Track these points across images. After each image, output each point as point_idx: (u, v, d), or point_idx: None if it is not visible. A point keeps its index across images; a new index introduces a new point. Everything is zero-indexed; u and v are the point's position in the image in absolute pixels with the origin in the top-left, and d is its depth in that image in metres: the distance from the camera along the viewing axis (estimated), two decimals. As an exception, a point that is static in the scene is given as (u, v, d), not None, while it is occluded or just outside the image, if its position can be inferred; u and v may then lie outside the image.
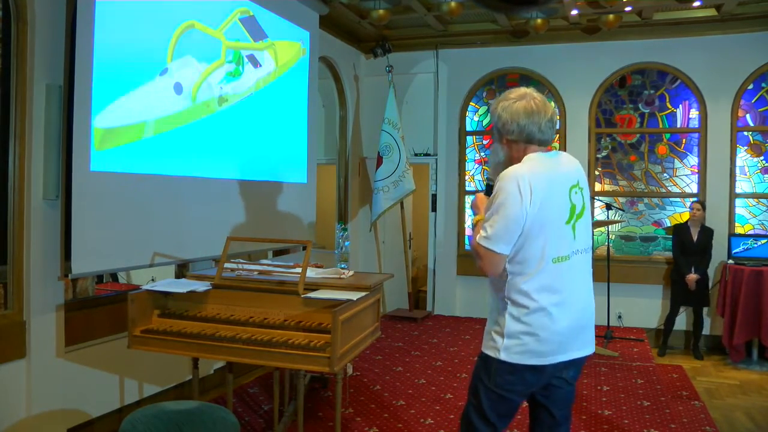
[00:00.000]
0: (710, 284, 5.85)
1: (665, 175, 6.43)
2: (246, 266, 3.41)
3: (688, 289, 5.68)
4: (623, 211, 6.42)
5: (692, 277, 5.66)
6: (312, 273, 3.39)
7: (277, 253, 5.63)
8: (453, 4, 5.50)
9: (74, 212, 3.14)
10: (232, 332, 2.94)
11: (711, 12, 5.94)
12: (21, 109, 3.07)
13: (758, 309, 5.31)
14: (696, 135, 6.31)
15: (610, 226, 6.32)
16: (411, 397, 4.28)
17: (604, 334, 5.76)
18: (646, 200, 6.49)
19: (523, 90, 2.12)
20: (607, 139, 6.60)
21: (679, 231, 5.90)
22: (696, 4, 5.65)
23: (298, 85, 5.24)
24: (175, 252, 3.83)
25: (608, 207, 6.06)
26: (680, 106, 6.37)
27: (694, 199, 6.13)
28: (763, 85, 6.09)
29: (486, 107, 7.03)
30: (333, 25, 6.27)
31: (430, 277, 7.15)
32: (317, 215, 5.64)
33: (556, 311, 2.01)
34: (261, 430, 3.70)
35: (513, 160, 2.11)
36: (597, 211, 6.49)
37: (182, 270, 4.23)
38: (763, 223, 6.09)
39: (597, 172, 6.62)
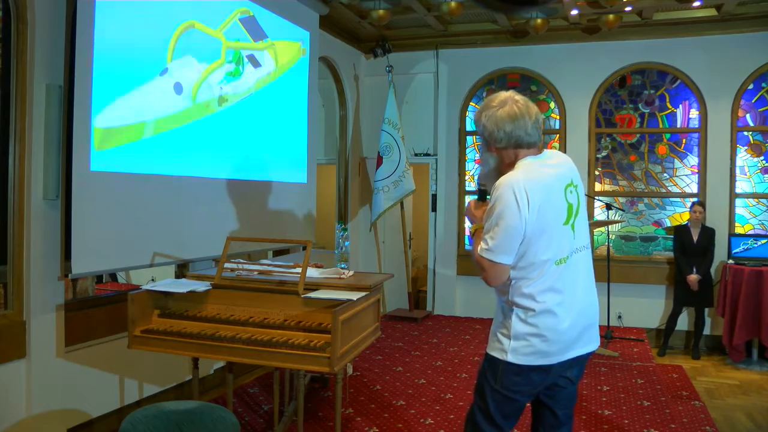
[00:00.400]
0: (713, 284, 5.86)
1: (665, 175, 6.43)
2: (246, 266, 3.41)
3: (691, 289, 5.68)
4: (623, 211, 6.42)
5: (693, 277, 5.66)
6: (312, 273, 3.38)
7: (277, 253, 5.63)
8: (453, 4, 5.50)
9: (74, 212, 3.14)
10: (232, 332, 2.94)
11: (711, 12, 5.94)
12: (21, 109, 3.07)
13: (758, 309, 5.31)
14: (696, 135, 6.31)
15: (610, 226, 6.32)
16: (411, 397, 4.28)
17: (604, 334, 5.76)
18: (646, 200, 6.49)
19: (504, 95, 2.10)
20: (607, 139, 6.60)
21: (680, 232, 5.90)
22: (696, 4, 5.65)
23: (298, 85, 5.24)
24: (175, 252, 3.83)
25: (608, 207, 6.06)
26: (680, 106, 6.37)
27: (695, 200, 6.12)
28: (763, 85, 6.09)
29: (486, 107, 7.01)
30: (333, 25, 6.27)
31: (430, 277, 7.15)
32: (317, 215, 5.64)
33: (560, 311, 2.02)
34: (261, 430, 3.70)
35: (504, 167, 2.10)
36: (597, 211, 6.50)
37: (182, 270, 4.23)
38: (763, 223, 6.09)
39: (597, 172, 6.62)
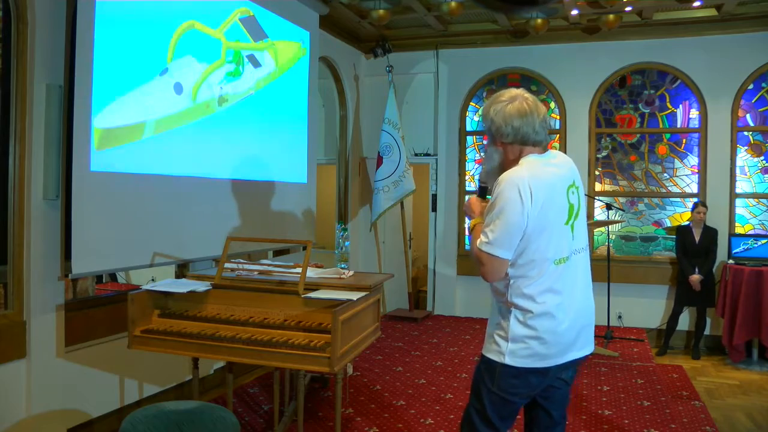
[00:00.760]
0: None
1: (665, 175, 6.43)
2: (246, 266, 3.41)
3: (693, 289, 5.68)
4: (623, 211, 6.42)
5: (695, 277, 5.66)
6: (312, 273, 3.38)
7: (278, 253, 5.63)
8: (453, 4, 5.50)
9: (74, 212, 3.14)
10: (232, 332, 2.94)
11: (711, 12, 5.94)
12: (21, 109, 3.07)
13: (758, 309, 5.30)
14: (696, 135, 6.31)
15: (610, 226, 6.32)
16: (411, 397, 4.28)
17: (604, 334, 5.76)
18: (646, 200, 6.49)
19: (514, 91, 2.08)
20: (608, 139, 6.60)
21: (682, 232, 5.90)
22: (696, 4, 5.65)
23: (298, 85, 5.24)
24: (175, 252, 3.83)
25: (608, 207, 6.06)
26: (680, 106, 6.37)
27: (696, 200, 6.12)
28: (764, 85, 6.08)
29: (486, 107, 7.02)
30: (333, 25, 6.27)
31: (430, 277, 7.15)
32: (317, 215, 5.64)
33: (559, 313, 2.01)
34: (261, 430, 3.70)
35: (509, 162, 2.09)
36: (597, 211, 6.50)
37: (182, 270, 4.23)
38: (763, 223, 6.09)
39: (597, 172, 6.62)
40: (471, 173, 7.09)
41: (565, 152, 6.88)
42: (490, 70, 6.92)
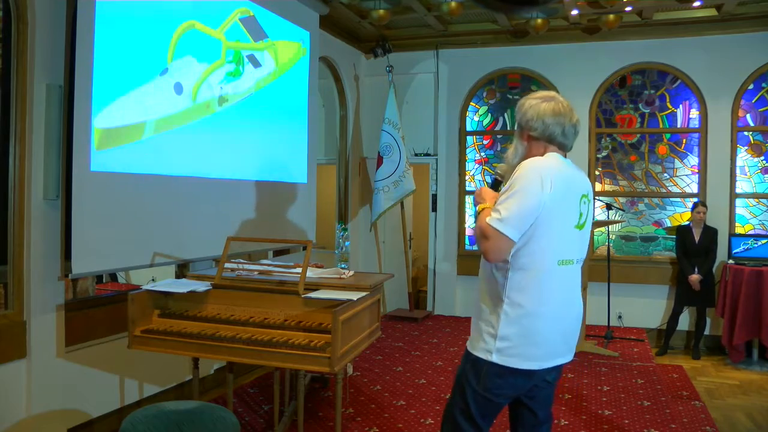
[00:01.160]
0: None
1: (665, 175, 6.43)
2: (246, 266, 3.41)
3: (693, 289, 5.68)
4: (623, 211, 6.42)
5: (695, 277, 5.66)
6: (312, 273, 3.38)
7: (278, 253, 5.63)
8: (453, 4, 5.50)
9: (74, 212, 3.14)
10: (233, 332, 2.95)
11: (711, 12, 5.94)
12: (21, 109, 3.07)
13: (758, 309, 5.30)
14: (696, 135, 6.31)
15: (610, 226, 6.32)
16: (411, 397, 4.28)
17: (604, 334, 5.76)
18: (646, 200, 6.49)
19: (551, 93, 2.14)
20: (608, 139, 6.60)
21: (682, 232, 5.90)
22: (696, 4, 5.65)
23: (298, 85, 5.24)
24: (175, 252, 3.83)
25: (608, 207, 6.06)
26: (680, 106, 6.37)
27: (695, 200, 6.12)
28: (764, 85, 6.08)
29: (486, 107, 7.03)
30: (333, 25, 6.27)
31: (430, 277, 7.15)
32: (317, 215, 5.64)
33: (553, 315, 2.00)
34: (261, 430, 3.70)
35: (530, 157, 2.09)
36: (597, 211, 6.49)
37: (182, 270, 4.23)
38: (763, 223, 6.09)
39: (597, 172, 6.62)
40: (471, 173, 7.09)
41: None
42: (490, 70, 6.92)
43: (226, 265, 3.27)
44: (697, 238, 5.79)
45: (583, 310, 2.18)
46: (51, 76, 3.18)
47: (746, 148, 6.16)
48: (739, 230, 6.10)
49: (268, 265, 3.51)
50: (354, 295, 2.96)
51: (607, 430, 3.75)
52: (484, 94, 7.03)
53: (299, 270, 3.11)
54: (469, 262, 6.78)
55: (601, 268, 5.95)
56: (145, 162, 3.61)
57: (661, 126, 6.44)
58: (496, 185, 2.19)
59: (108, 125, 3.35)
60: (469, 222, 7.02)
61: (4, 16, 3.07)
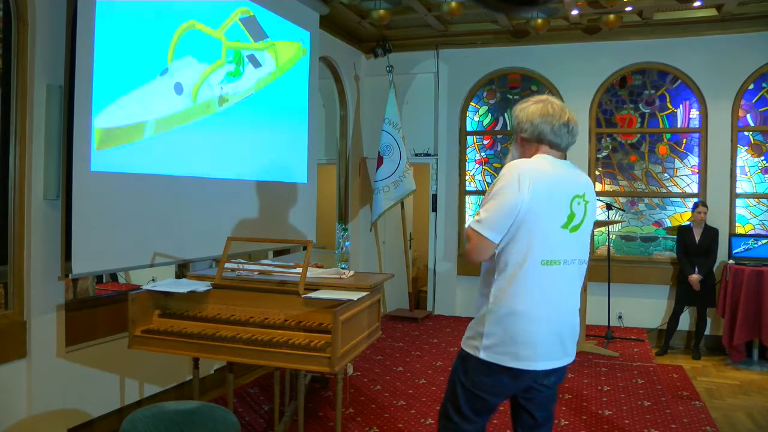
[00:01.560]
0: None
1: (666, 175, 6.43)
2: (246, 266, 3.41)
3: (693, 289, 5.68)
4: (624, 211, 6.42)
5: (695, 277, 5.66)
6: (312, 273, 3.38)
7: (278, 253, 5.63)
8: (453, 4, 5.50)
9: (74, 212, 3.14)
10: (233, 332, 2.95)
11: (711, 12, 5.94)
12: (21, 109, 3.07)
13: (758, 309, 5.30)
14: (696, 135, 6.30)
15: (610, 226, 6.32)
16: (411, 397, 4.28)
17: (605, 334, 5.76)
18: (646, 200, 6.49)
19: (544, 96, 2.18)
20: (608, 139, 6.60)
21: (682, 232, 5.90)
22: (696, 4, 5.65)
23: (299, 85, 5.24)
24: (175, 252, 3.83)
25: (609, 207, 6.06)
26: (681, 106, 6.37)
27: (696, 200, 6.12)
28: (764, 85, 6.08)
29: (486, 107, 7.03)
30: (333, 25, 6.27)
31: (430, 277, 7.15)
32: (317, 215, 5.64)
33: (536, 315, 1.99)
34: (261, 430, 3.70)
35: (524, 158, 2.12)
36: (597, 211, 6.49)
37: (182, 270, 4.23)
38: (763, 223, 6.09)
39: (597, 172, 6.61)
40: (471, 173, 7.09)
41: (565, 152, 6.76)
42: (491, 70, 6.92)
43: (227, 265, 3.27)
44: (697, 238, 5.79)
45: (577, 310, 2.14)
46: (51, 76, 3.18)
47: (746, 148, 6.15)
48: (739, 230, 6.10)
49: (269, 265, 3.51)
50: (354, 295, 2.96)
51: (607, 430, 3.75)
52: (485, 94, 7.03)
53: (299, 270, 3.11)
54: (469, 263, 6.77)
55: (602, 268, 5.95)
56: (145, 162, 3.62)
57: (661, 126, 6.43)
58: None
59: (108, 125, 3.35)
60: (469, 222, 7.02)
61: (4, 16, 3.07)
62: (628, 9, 5.80)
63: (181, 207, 3.89)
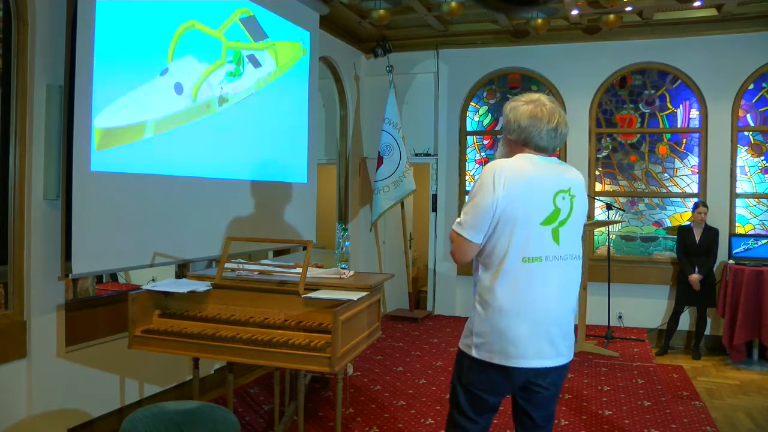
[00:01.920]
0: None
1: (666, 175, 6.43)
2: (246, 266, 3.41)
3: (693, 289, 5.68)
4: (624, 211, 6.42)
5: (695, 277, 5.66)
6: (312, 273, 3.38)
7: (278, 253, 5.63)
8: (453, 4, 5.50)
9: (74, 212, 3.14)
10: (233, 332, 2.94)
11: (711, 12, 5.94)
12: (21, 109, 3.07)
13: (759, 309, 5.30)
14: (696, 135, 6.30)
15: (610, 226, 6.32)
16: (411, 397, 4.28)
17: (605, 334, 5.76)
18: (646, 200, 6.49)
19: (536, 95, 2.13)
20: (608, 139, 6.60)
21: (683, 232, 5.90)
22: (696, 4, 5.64)
23: (299, 85, 5.24)
24: (175, 252, 3.83)
25: (608, 207, 6.06)
26: (681, 106, 6.37)
27: (696, 200, 6.12)
28: (764, 85, 6.08)
29: (486, 107, 7.03)
30: (333, 25, 6.27)
31: (430, 277, 7.15)
32: (317, 215, 5.64)
33: (520, 313, 1.99)
34: (261, 430, 3.70)
35: (508, 158, 2.13)
36: (597, 211, 6.50)
37: (182, 270, 4.23)
38: (763, 223, 6.09)
39: (597, 172, 6.62)
40: (471, 173, 7.09)
41: (565, 152, 6.82)
42: (491, 70, 6.92)
43: (227, 265, 3.27)
44: (697, 238, 5.79)
45: (570, 308, 2.10)
46: (51, 76, 3.18)
47: (746, 148, 6.15)
48: (739, 230, 6.10)
49: (269, 265, 3.51)
50: (354, 295, 2.96)
51: (607, 430, 3.75)
52: (485, 94, 7.03)
53: (299, 270, 3.11)
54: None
55: (602, 268, 5.95)
56: (146, 162, 3.61)
57: (661, 126, 6.43)
58: None
59: (108, 125, 3.35)
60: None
61: (4, 16, 3.07)
62: (628, 9, 5.80)
63: (181, 207, 3.89)
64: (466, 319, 2.18)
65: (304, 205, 5.30)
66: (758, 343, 5.48)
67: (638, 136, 6.50)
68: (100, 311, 3.59)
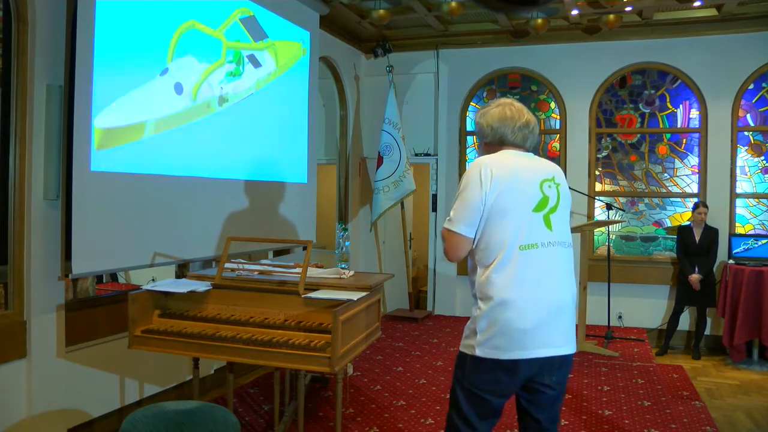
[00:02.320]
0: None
1: (666, 175, 6.43)
2: (246, 266, 3.41)
3: (693, 289, 5.68)
4: (624, 211, 6.42)
5: (695, 277, 5.66)
6: (312, 273, 3.38)
7: (278, 253, 5.63)
8: (453, 4, 5.50)
9: (74, 212, 3.14)
10: (233, 332, 2.95)
11: (711, 12, 5.94)
12: (21, 109, 3.07)
13: (759, 309, 5.30)
14: (696, 135, 6.30)
15: (610, 226, 6.32)
16: (411, 397, 4.28)
17: (605, 334, 5.76)
18: (646, 200, 6.49)
19: (503, 100, 2.25)
20: (608, 139, 6.60)
21: (683, 231, 5.90)
22: (696, 4, 5.65)
23: (299, 85, 5.24)
24: (175, 252, 3.83)
25: (609, 207, 6.06)
26: (681, 106, 6.37)
27: (696, 200, 6.12)
28: (764, 85, 6.08)
29: (486, 107, 7.02)
30: (333, 25, 6.27)
31: (430, 277, 7.15)
32: (317, 215, 5.64)
33: (522, 302, 1.99)
34: (261, 430, 3.70)
35: None
36: (597, 211, 6.50)
37: (182, 270, 4.23)
38: (763, 223, 6.09)
39: (597, 172, 6.62)
40: (471, 173, 7.08)
41: (565, 152, 6.85)
42: (490, 70, 6.92)
43: (227, 265, 3.27)
44: (697, 238, 5.79)
45: (570, 293, 2.10)
46: (51, 76, 3.18)
47: (746, 148, 6.15)
48: (739, 230, 6.10)
49: (268, 265, 3.51)
50: (354, 295, 2.96)
51: (607, 430, 3.75)
52: (485, 95, 7.03)
53: (299, 270, 3.11)
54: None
55: (602, 268, 5.95)
56: (146, 162, 3.61)
57: (661, 126, 6.43)
58: None
59: (108, 125, 3.35)
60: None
61: (4, 16, 3.07)
62: (628, 9, 5.80)
63: (181, 207, 3.89)
64: (466, 319, 2.17)
65: (304, 205, 5.30)
66: (758, 343, 5.48)
67: (638, 136, 6.50)
68: (100, 311, 3.59)
